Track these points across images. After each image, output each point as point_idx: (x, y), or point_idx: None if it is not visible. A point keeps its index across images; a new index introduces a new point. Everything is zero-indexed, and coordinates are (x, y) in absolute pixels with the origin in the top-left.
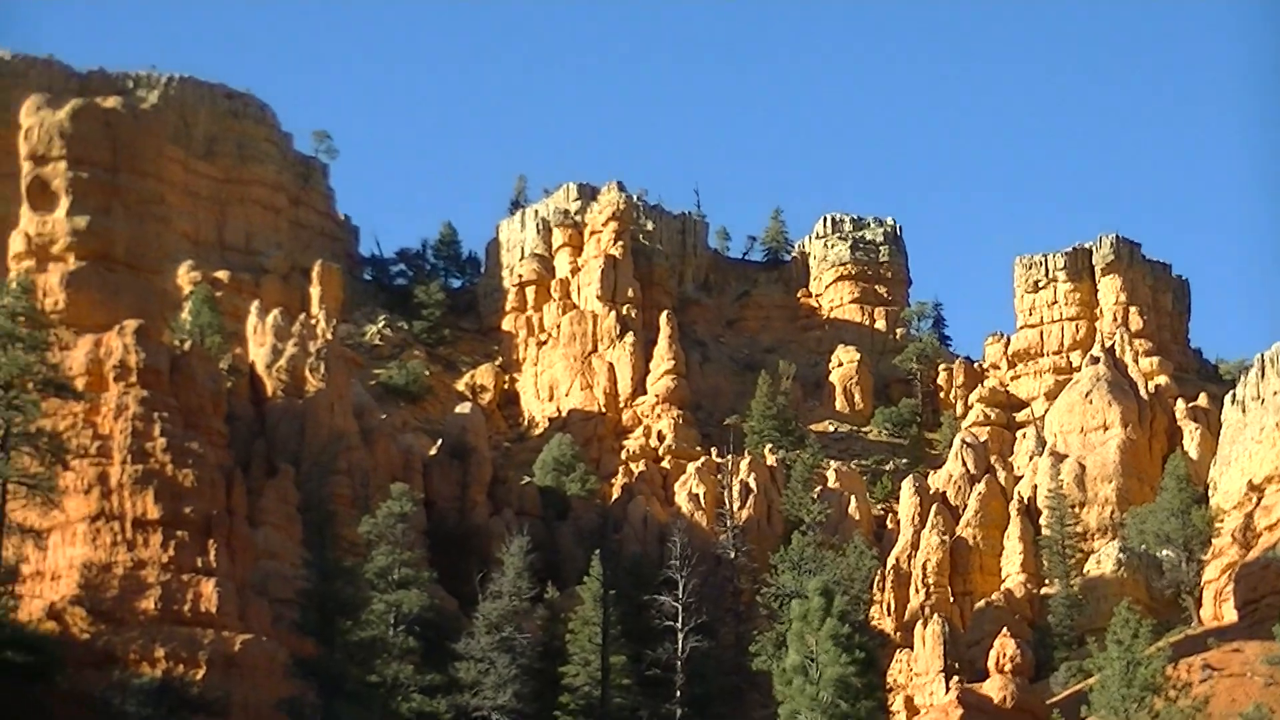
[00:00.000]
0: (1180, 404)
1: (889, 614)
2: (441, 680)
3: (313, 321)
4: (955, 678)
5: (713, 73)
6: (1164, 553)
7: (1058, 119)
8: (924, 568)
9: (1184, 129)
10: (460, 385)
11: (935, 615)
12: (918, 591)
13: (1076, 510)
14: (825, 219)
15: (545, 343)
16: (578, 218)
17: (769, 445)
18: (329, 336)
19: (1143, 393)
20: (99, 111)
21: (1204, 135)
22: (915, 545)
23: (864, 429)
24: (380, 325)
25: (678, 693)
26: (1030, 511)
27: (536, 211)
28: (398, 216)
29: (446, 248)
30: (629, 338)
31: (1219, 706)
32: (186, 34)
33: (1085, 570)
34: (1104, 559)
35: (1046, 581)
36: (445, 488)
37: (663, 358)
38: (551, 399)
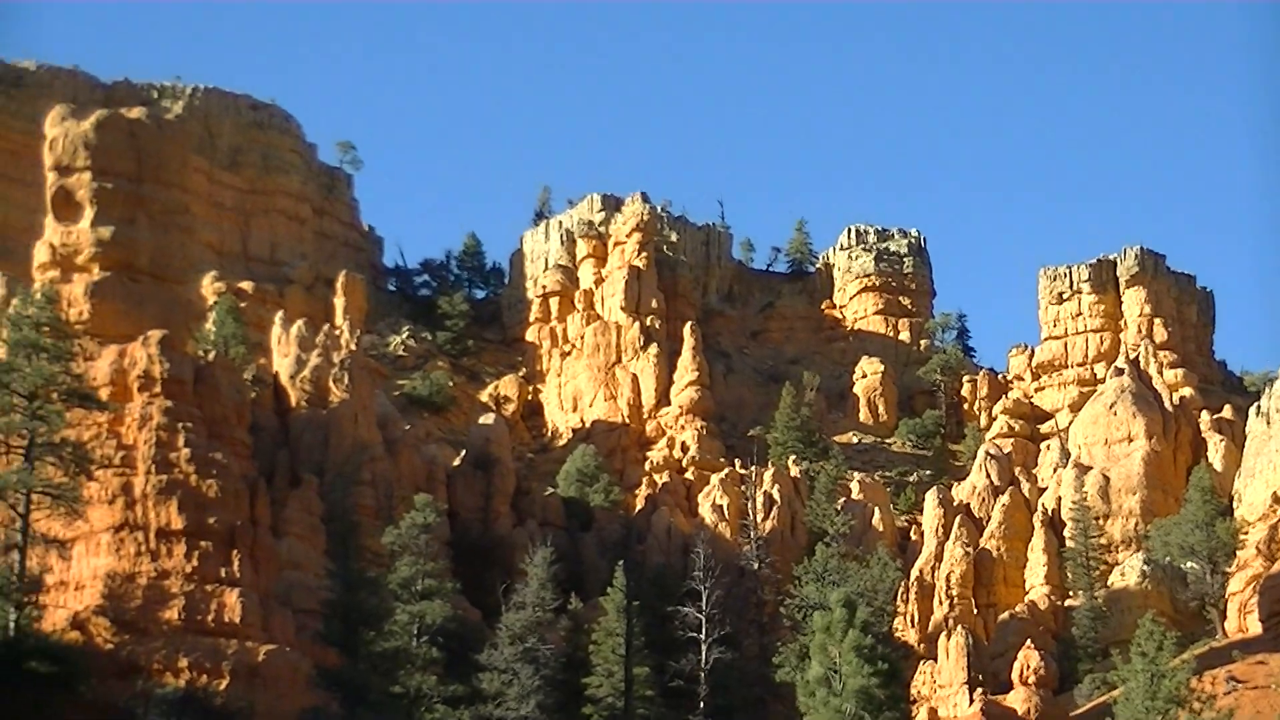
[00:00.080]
0: (1204, 416)
1: (913, 626)
2: (465, 691)
3: (337, 332)
4: (979, 690)
5: (737, 84)
6: (1188, 565)
7: (1083, 130)
8: (948, 579)
9: (1208, 140)
10: (484, 396)
11: (959, 627)
12: (941, 603)
13: (1101, 522)
14: (849, 230)
15: (569, 354)
16: (602, 229)
17: (793, 456)
18: (353, 347)
19: (1167, 405)
20: (124, 122)
21: (1228, 147)
22: (939, 557)
23: (888, 440)
24: (404, 336)
25: (701, 704)
26: (1054, 523)
27: (560, 222)
28: (422, 227)
29: (470, 258)
30: (653, 349)
31: (1243, 719)
32: (211, 45)
33: (1109, 582)
34: (1128, 571)
35: (1070, 593)
36: (469, 499)
37: (686, 369)
38: (575, 410)
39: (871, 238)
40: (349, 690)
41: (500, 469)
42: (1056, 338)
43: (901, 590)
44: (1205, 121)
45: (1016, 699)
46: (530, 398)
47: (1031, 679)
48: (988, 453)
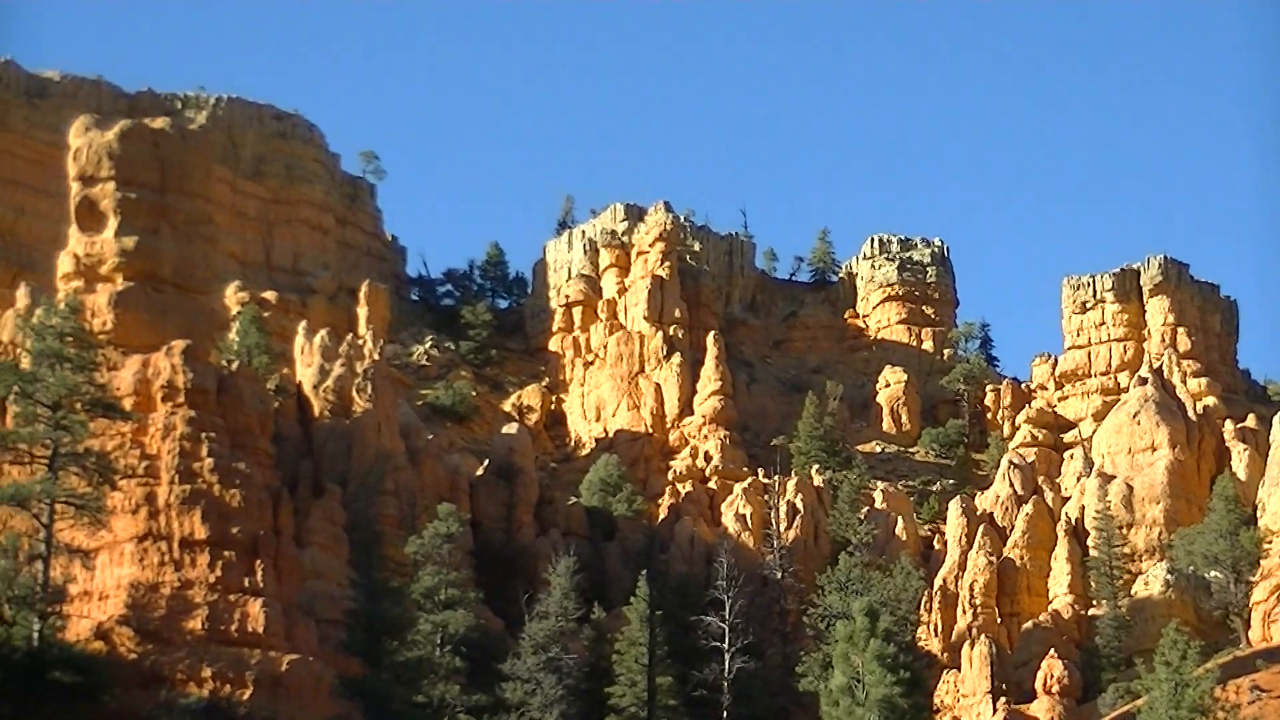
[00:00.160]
0: (1228, 425)
1: (936, 635)
2: (488, 701)
3: (360, 342)
4: (1002, 699)
5: (760, 93)
6: (1212, 574)
7: (1106, 140)
8: (971, 588)
9: (1232, 150)
10: (507, 406)
11: (982, 636)
12: (965, 612)
13: (1124, 531)
14: (872, 240)
15: (592, 363)
16: (625, 238)
17: (816, 466)
18: (376, 357)
19: (1191, 414)
20: (147, 132)
21: (1252, 155)
22: (962, 566)
23: (911, 450)
24: (427, 345)
25: (724, 713)
26: (1078, 532)
27: (583, 232)
28: (445, 237)
29: (493, 268)
30: (676, 358)
31: None
32: (234, 55)
33: (1133, 591)
34: (1152, 580)
35: (1094, 602)
36: (492, 508)
37: (709, 378)
38: (598, 419)
39: (895, 247)
40: (372, 700)
41: (523, 478)
42: (1080, 347)
43: (925, 599)
44: (1229, 130)
45: (1040, 708)
46: (553, 407)
47: (1055, 688)
48: (1011, 462)
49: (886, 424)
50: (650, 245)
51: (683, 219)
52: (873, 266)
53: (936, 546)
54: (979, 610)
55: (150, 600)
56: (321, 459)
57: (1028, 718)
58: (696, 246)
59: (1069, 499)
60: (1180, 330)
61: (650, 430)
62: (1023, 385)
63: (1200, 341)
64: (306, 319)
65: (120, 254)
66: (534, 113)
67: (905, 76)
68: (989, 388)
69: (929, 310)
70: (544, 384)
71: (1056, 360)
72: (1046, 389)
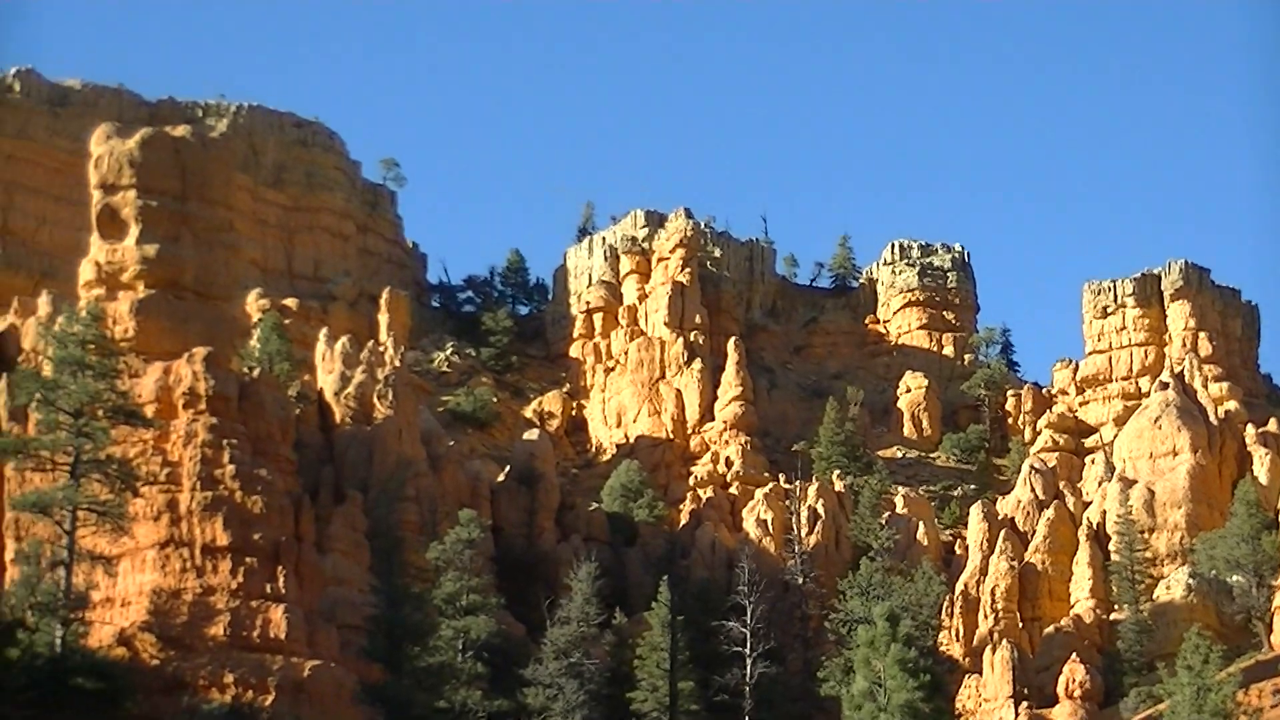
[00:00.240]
0: (1250, 429)
1: (958, 640)
2: (509, 706)
3: (381, 348)
4: (1024, 703)
5: (780, 100)
6: (1234, 578)
7: (1127, 144)
8: (992, 593)
9: (1253, 154)
10: (528, 412)
11: (1004, 641)
12: (986, 617)
13: (1146, 536)
14: (893, 245)
15: (613, 369)
16: (645, 244)
17: (837, 471)
18: (397, 363)
19: (1212, 418)
20: (168, 140)
21: (1273, 160)
22: (984, 571)
23: (932, 455)
24: (448, 352)
25: (746, 718)
26: (1099, 537)
27: (604, 238)
28: (465, 243)
29: (514, 275)
30: (696, 364)
31: None
32: (255, 63)
33: (1155, 596)
34: (1173, 585)
35: (1116, 607)
36: (513, 514)
37: (730, 384)
38: (619, 425)
39: (915, 253)
40: (393, 705)
41: (544, 484)
42: (1101, 352)
43: (946, 604)
44: (1249, 135)
45: (1062, 713)
46: (574, 413)
47: (1077, 693)
48: (1032, 467)
49: (907, 429)
50: (671, 251)
51: (703, 225)
52: (893, 272)
53: (958, 551)
54: (1000, 615)
55: (172, 606)
56: (343, 465)
57: None
58: (717, 253)
59: (1090, 504)
60: (1201, 335)
61: (671, 436)
62: (1044, 390)
63: (1221, 346)
64: (327, 326)
65: (142, 261)
66: (554, 119)
67: (926, 82)
68: (1010, 393)
69: (950, 316)
70: (565, 390)
71: (1077, 365)
72: (1067, 394)
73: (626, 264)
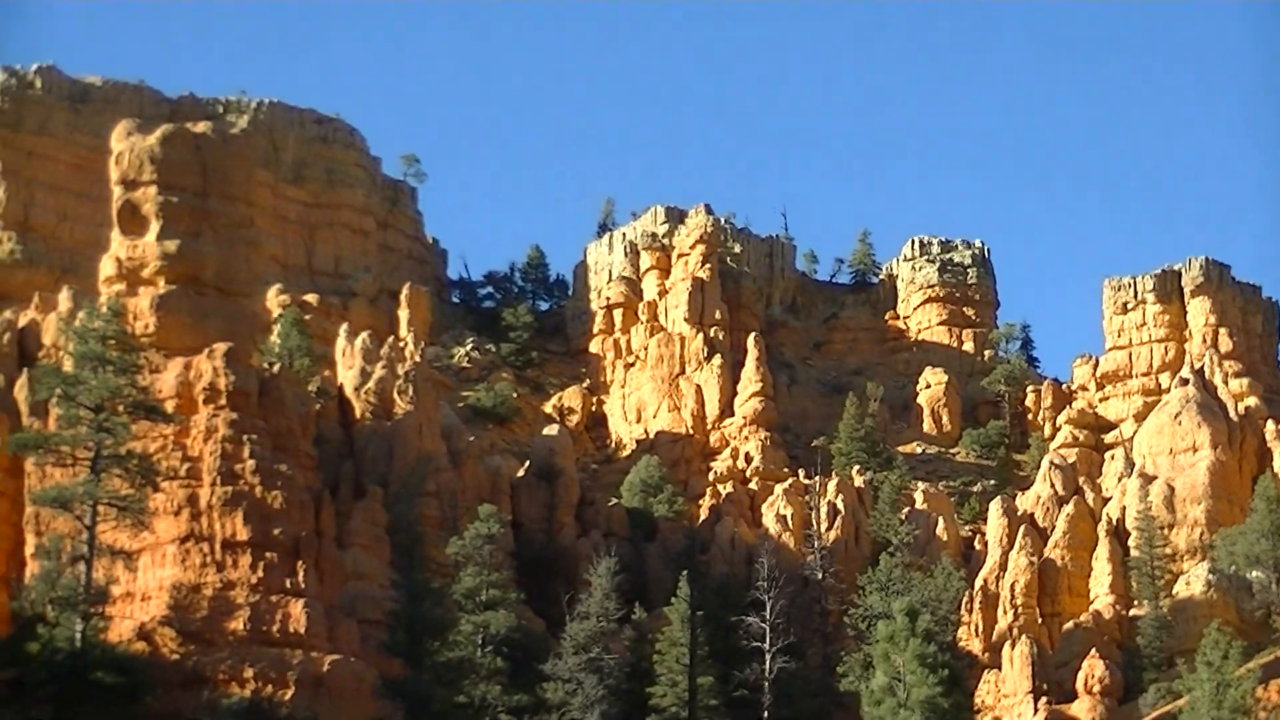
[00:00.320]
0: (1270, 425)
1: (977, 635)
2: (529, 701)
3: (401, 344)
4: (1043, 699)
5: (800, 96)
6: (1254, 574)
7: (1148, 140)
8: (1012, 589)
9: (1273, 150)
10: (548, 407)
11: (1023, 636)
12: (1005, 613)
13: (1165, 532)
14: (913, 241)
15: (633, 365)
16: (665, 240)
17: (856, 467)
18: (417, 359)
19: (1232, 414)
20: (189, 136)
21: None
22: (1003, 566)
23: (952, 451)
24: (468, 348)
25: (765, 714)
26: (1119, 533)
27: (624, 234)
28: (486, 239)
29: (534, 270)
30: (716, 360)
31: None
32: (276, 59)
33: (1174, 592)
34: (1193, 580)
35: (1135, 603)
36: (533, 509)
37: (750, 380)
38: (639, 421)
39: (935, 249)
40: (413, 700)
41: (564, 480)
42: (1121, 348)
43: (965, 600)
44: (1271, 131)
45: (1081, 709)
46: (594, 409)
47: (1096, 688)
48: (1052, 463)
49: (927, 425)
50: (691, 247)
51: (723, 221)
52: (913, 268)
53: (977, 547)
54: (1020, 610)
55: (192, 601)
56: (363, 461)
57: (1069, 718)
58: (737, 249)
59: (1110, 500)
60: (1221, 331)
61: (691, 431)
62: (1064, 386)
63: (1242, 342)
64: (348, 322)
65: (162, 257)
66: (574, 115)
67: (947, 79)
68: (1030, 389)
69: (970, 311)
70: (585, 386)
71: (1097, 361)
72: (1087, 390)
73: (647, 260)
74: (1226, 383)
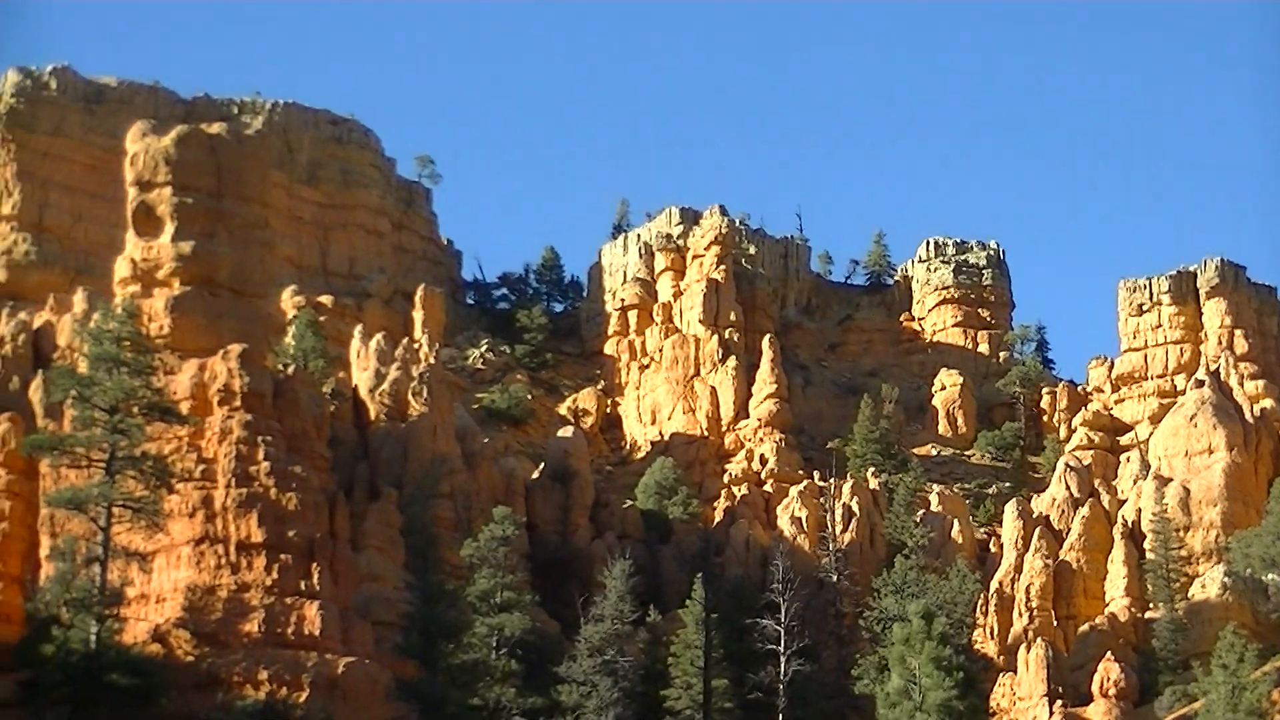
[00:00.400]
0: None
1: (992, 638)
2: (543, 703)
3: (415, 345)
4: (1059, 702)
5: (815, 97)
6: (1269, 577)
7: (1162, 142)
8: (1027, 591)
9: None
10: (562, 409)
11: (1038, 639)
12: (1021, 615)
13: (1181, 534)
14: (928, 243)
15: (647, 366)
16: (680, 241)
17: (871, 469)
18: (432, 360)
19: (1248, 416)
20: (204, 137)
21: None
22: (1018, 569)
23: (967, 452)
24: (483, 349)
25: (780, 716)
26: (1134, 535)
27: (639, 235)
28: (500, 241)
29: (549, 272)
30: (731, 361)
31: None
32: (290, 60)
33: (1190, 594)
34: (1209, 583)
35: (1151, 605)
36: (547, 511)
37: (765, 381)
38: (654, 422)
39: (950, 250)
40: (428, 702)
41: (579, 482)
42: (1136, 349)
43: (981, 602)
44: None
45: (1097, 711)
46: (609, 410)
47: (1112, 691)
48: (1067, 465)
49: (942, 427)
50: (705, 249)
51: (738, 222)
52: (928, 269)
53: (992, 549)
54: (1035, 613)
55: (207, 603)
56: (377, 462)
57: None
58: (752, 250)
59: (1125, 502)
60: (1237, 332)
61: (706, 433)
62: (1079, 388)
63: (1257, 344)
64: (362, 323)
65: (177, 258)
66: (589, 117)
67: (960, 80)
68: (1045, 390)
69: (985, 313)
70: (599, 387)
71: (1113, 363)
72: (1103, 391)
73: (661, 261)
74: (1242, 384)
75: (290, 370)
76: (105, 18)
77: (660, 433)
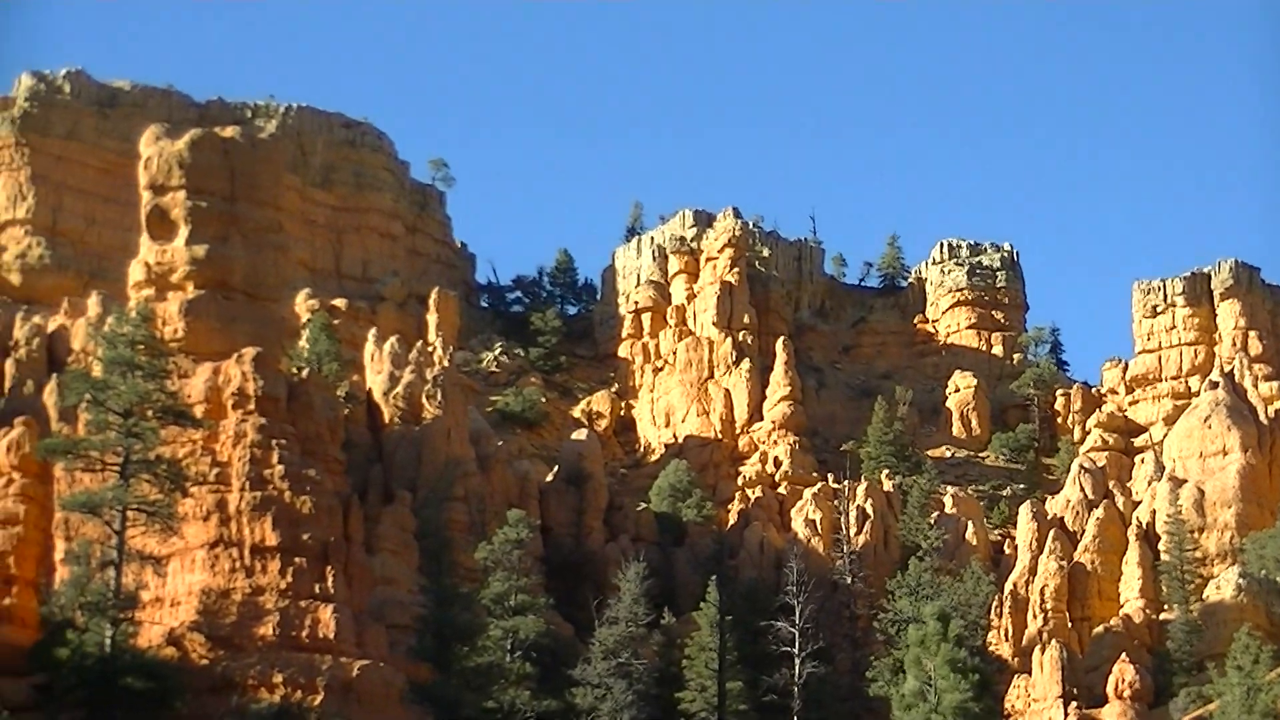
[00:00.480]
0: None
1: (1006, 639)
2: (558, 706)
3: (429, 349)
4: (1073, 703)
5: (829, 99)
6: None
7: (1175, 143)
8: (1042, 593)
9: None
10: (576, 412)
11: (1053, 641)
12: (1035, 617)
13: (1195, 535)
14: (942, 244)
15: (661, 369)
16: (694, 244)
17: (886, 471)
18: (445, 363)
19: (1262, 417)
20: (217, 141)
21: None
22: (1033, 571)
23: (981, 454)
24: (497, 352)
25: (794, 718)
26: (1149, 537)
27: (652, 238)
28: (514, 244)
29: (563, 274)
30: (745, 364)
31: None
32: (304, 64)
33: (1204, 596)
34: (1223, 584)
35: (1165, 607)
36: (561, 514)
37: (779, 384)
38: (668, 425)
39: (964, 252)
40: (442, 705)
41: (593, 484)
42: (1150, 351)
43: (995, 604)
44: None
45: (1111, 713)
46: (622, 413)
47: (1126, 693)
48: (1081, 466)
49: (956, 429)
50: (719, 251)
51: (751, 225)
52: (942, 271)
53: (1007, 551)
54: (1050, 615)
55: (222, 606)
56: (391, 466)
57: None
58: (765, 252)
59: (1140, 503)
60: (1251, 334)
61: (720, 436)
62: (1093, 389)
63: (1271, 345)
64: (376, 326)
65: (191, 262)
66: (602, 119)
67: (974, 81)
68: (1059, 392)
69: (999, 315)
70: (613, 390)
71: (1127, 364)
72: (1117, 393)
73: (675, 264)
74: (1256, 386)
75: (304, 374)
76: (118, 21)
77: (674, 435)
